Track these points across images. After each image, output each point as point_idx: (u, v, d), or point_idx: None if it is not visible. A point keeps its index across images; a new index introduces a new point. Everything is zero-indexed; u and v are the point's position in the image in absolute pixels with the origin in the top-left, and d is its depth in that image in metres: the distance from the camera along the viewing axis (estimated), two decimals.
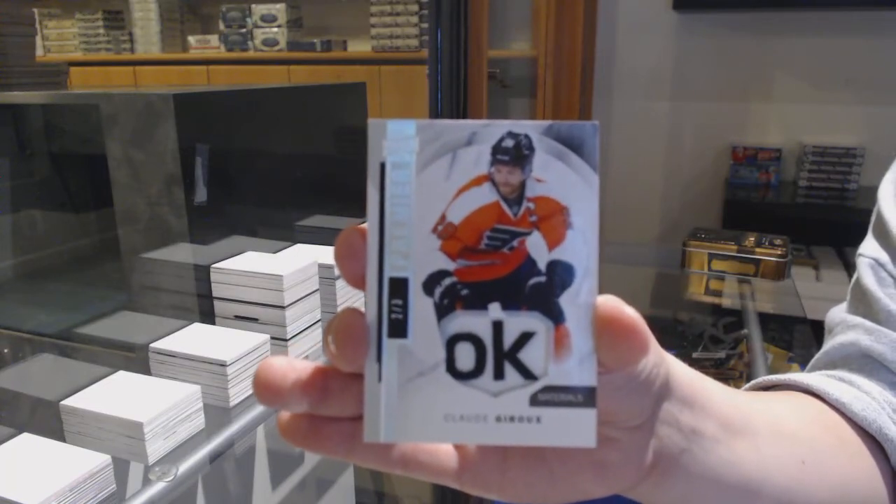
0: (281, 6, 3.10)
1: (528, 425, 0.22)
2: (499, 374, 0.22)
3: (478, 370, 0.22)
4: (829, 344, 0.46)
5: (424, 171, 0.22)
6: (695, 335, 1.17)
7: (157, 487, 0.63)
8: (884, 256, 0.44)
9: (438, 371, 0.22)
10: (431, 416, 0.22)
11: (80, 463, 0.58)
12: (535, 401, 0.22)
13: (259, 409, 0.77)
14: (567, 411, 0.22)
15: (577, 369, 0.22)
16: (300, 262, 0.87)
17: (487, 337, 0.22)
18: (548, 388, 0.22)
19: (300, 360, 0.23)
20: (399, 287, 0.22)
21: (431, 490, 1.27)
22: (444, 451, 0.25)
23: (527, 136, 0.22)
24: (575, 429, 0.22)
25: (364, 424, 0.22)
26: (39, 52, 3.05)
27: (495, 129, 0.22)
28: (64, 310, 1.02)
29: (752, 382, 0.45)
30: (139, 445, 0.65)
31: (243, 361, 0.77)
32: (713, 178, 2.59)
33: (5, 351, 0.94)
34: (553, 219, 0.22)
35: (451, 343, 0.22)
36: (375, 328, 0.22)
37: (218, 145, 0.88)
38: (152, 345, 0.78)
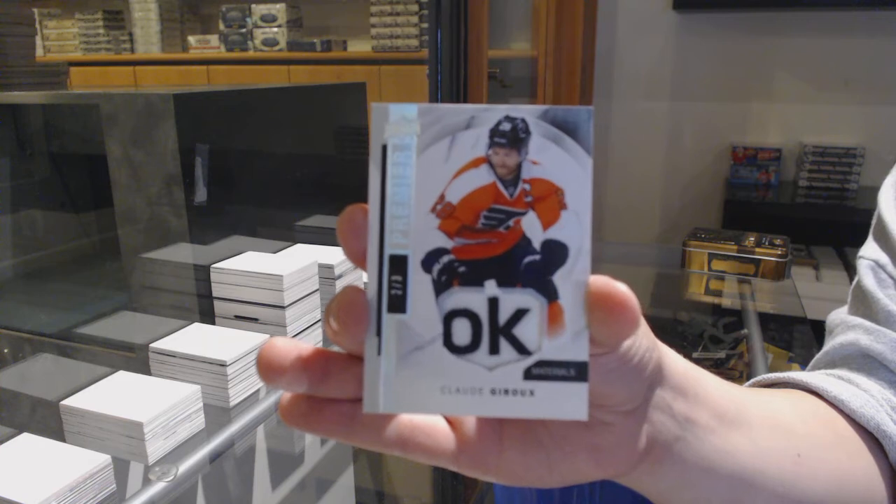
0: (281, 6, 3.10)
1: (522, 398, 0.23)
2: (494, 349, 0.23)
3: (474, 345, 0.23)
4: (829, 344, 0.46)
5: (425, 152, 0.23)
6: (695, 335, 1.17)
7: (157, 487, 0.63)
8: (884, 258, 0.44)
9: (436, 345, 0.23)
10: (428, 389, 0.23)
11: (80, 463, 0.58)
12: (528, 375, 0.23)
13: (259, 409, 0.77)
14: (560, 385, 0.23)
15: (570, 345, 0.22)
16: (300, 262, 0.87)
17: (483, 313, 0.23)
18: (541, 363, 0.23)
19: (302, 341, 0.23)
20: (399, 264, 0.22)
21: (431, 490, 1.27)
22: (442, 433, 0.26)
23: (523, 120, 0.23)
24: (567, 402, 0.23)
25: (363, 396, 0.23)
26: (39, 52, 3.05)
27: (493, 114, 0.23)
28: (64, 310, 1.02)
29: (752, 381, 0.45)
30: (139, 445, 0.65)
31: (243, 361, 0.77)
32: (713, 178, 2.59)
33: (5, 351, 0.94)
34: (548, 199, 0.23)
35: (449, 318, 0.23)
36: (375, 304, 0.22)
37: (218, 145, 0.88)
38: (152, 345, 0.78)
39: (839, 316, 0.47)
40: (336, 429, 0.24)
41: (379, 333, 0.22)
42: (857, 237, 0.49)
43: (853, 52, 2.33)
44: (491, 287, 0.23)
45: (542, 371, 0.23)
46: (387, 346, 0.22)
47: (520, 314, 0.23)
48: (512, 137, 0.22)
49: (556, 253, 0.22)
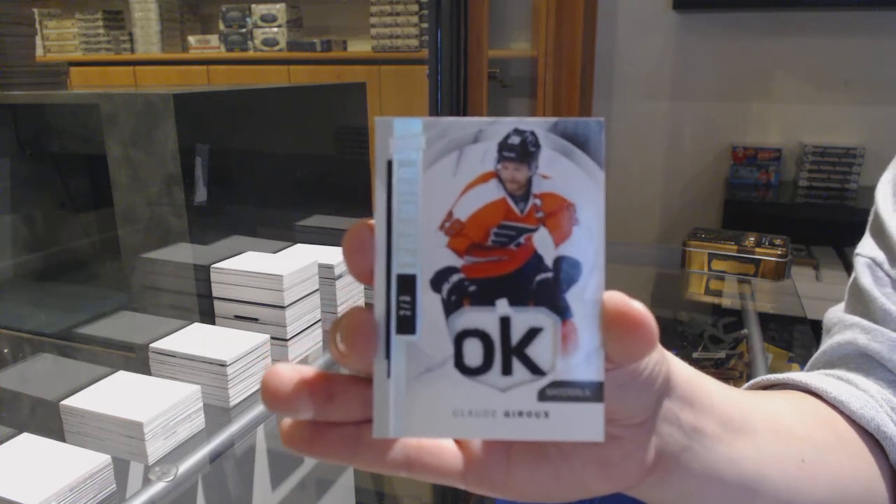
0: (281, 6, 3.10)
1: (537, 420, 0.22)
2: (507, 370, 0.22)
3: (486, 366, 0.22)
4: (827, 343, 0.46)
5: (431, 168, 0.22)
6: (695, 335, 1.17)
7: (157, 487, 0.63)
8: (880, 256, 0.44)
9: (447, 367, 0.22)
10: (440, 412, 0.22)
11: (80, 463, 0.58)
12: (542, 396, 0.22)
13: (259, 409, 0.77)
14: (575, 406, 0.22)
15: (585, 364, 0.22)
16: (300, 262, 0.87)
17: (495, 333, 0.22)
18: (555, 384, 0.22)
19: (304, 365, 0.23)
20: (407, 284, 0.22)
21: (431, 490, 1.27)
22: (449, 452, 0.25)
23: (533, 133, 0.22)
24: (583, 423, 0.22)
25: (373, 420, 0.22)
26: (39, 52, 3.04)
27: (501, 127, 0.22)
28: (64, 310, 1.02)
29: (752, 382, 0.45)
30: (139, 445, 0.65)
31: (243, 361, 0.77)
32: (713, 178, 2.59)
33: (5, 351, 0.94)
34: (559, 215, 0.22)
35: (459, 339, 0.22)
36: (384, 325, 0.22)
37: (218, 145, 0.88)
38: (152, 345, 0.78)
39: (836, 314, 0.47)
40: (340, 452, 0.23)
41: (388, 356, 0.22)
42: (856, 237, 0.49)
43: (853, 52, 2.33)
44: (502, 306, 0.22)
45: (557, 392, 0.22)
46: (396, 368, 0.22)
47: (532, 333, 0.22)
48: (521, 151, 0.22)
49: (568, 270, 0.22)
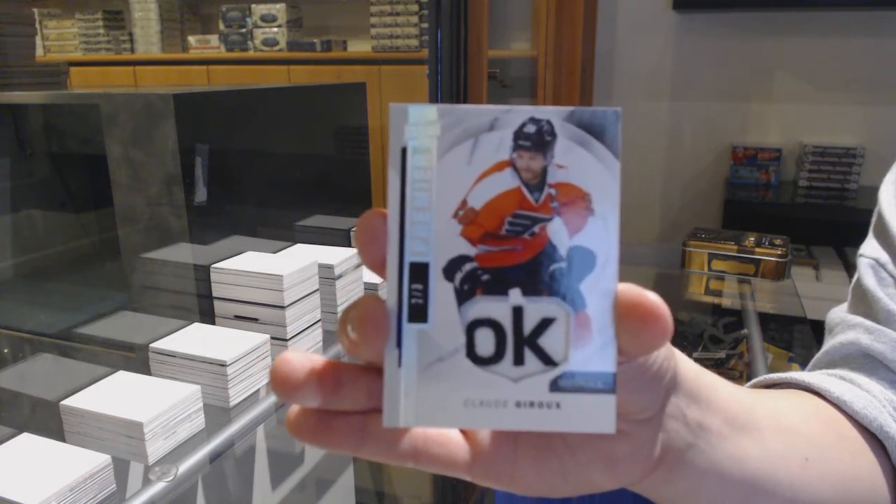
0: (281, 6, 3.09)
1: (548, 411, 0.22)
2: (519, 360, 0.22)
3: (498, 356, 0.22)
4: (830, 343, 0.46)
5: (446, 156, 0.22)
6: (695, 335, 1.17)
7: (157, 487, 0.63)
8: (884, 257, 0.44)
9: (458, 356, 0.22)
10: (451, 402, 0.22)
11: (80, 463, 0.58)
12: (554, 386, 0.22)
13: (259, 409, 0.77)
14: (587, 397, 0.22)
15: (598, 355, 0.22)
16: (300, 262, 0.87)
17: (507, 323, 0.22)
18: (567, 374, 0.22)
19: (314, 353, 0.23)
20: (419, 272, 0.22)
21: (431, 489, 1.27)
22: (456, 443, 0.25)
23: (549, 122, 0.22)
24: (594, 415, 0.22)
25: (383, 409, 0.22)
26: (39, 52, 3.05)
27: (517, 115, 0.22)
28: (64, 310, 1.02)
29: (754, 381, 0.45)
30: (139, 445, 0.65)
31: (243, 361, 0.77)
32: (713, 178, 2.59)
33: (5, 351, 0.94)
34: (574, 205, 0.22)
35: (472, 328, 0.22)
36: (395, 313, 0.22)
37: (218, 145, 0.88)
38: (152, 345, 0.78)
39: (839, 314, 0.47)
40: (346, 442, 0.23)
41: (399, 345, 0.22)
42: (857, 237, 0.49)
43: (853, 52, 2.32)
44: (515, 296, 0.22)
45: (569, 383, 0.22)
46: (407, 357, 0.22)
47: (545, 324, 0.22)
48: (537, 140, 0.22)
49: (582, 260, 0.22)
